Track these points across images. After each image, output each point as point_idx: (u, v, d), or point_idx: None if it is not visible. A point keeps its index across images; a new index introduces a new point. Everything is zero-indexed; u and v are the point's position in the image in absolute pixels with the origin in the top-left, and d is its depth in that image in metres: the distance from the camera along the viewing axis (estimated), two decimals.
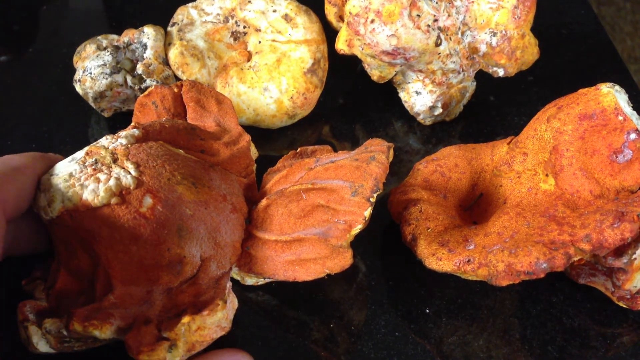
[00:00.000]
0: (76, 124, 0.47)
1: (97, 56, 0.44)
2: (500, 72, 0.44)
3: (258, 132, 0.45)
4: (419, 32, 0.40)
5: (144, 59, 0.44)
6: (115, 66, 0.44)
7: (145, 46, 0.45)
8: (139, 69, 0.43)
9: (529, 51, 0.43)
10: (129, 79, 0.44)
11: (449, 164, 0.40)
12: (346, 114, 0.48)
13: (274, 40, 0.44)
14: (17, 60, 0.52)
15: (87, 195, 0.32)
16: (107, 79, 0.43)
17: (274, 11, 0.44)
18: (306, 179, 0.36)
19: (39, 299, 0.33)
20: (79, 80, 0.44)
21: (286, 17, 0.43)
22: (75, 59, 0.45)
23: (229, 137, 0.39)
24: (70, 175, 0.33)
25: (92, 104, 0.45)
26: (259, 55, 0.44)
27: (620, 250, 0.33)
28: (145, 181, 0.33)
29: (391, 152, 0.37)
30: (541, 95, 0.49)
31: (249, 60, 0.45)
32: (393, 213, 0.39)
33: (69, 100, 0.48)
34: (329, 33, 0.46)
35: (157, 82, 0.44)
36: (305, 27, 0.43)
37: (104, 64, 0.43)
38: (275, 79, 0.43)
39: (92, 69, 0.43)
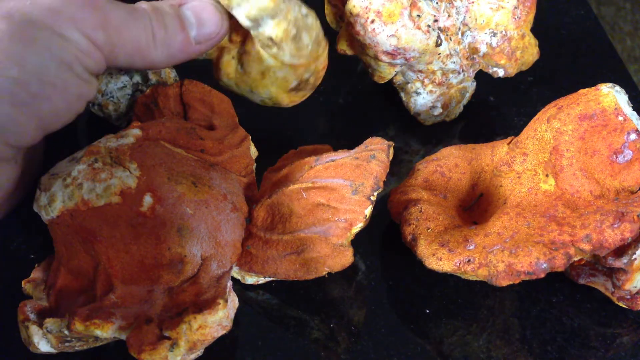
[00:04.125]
0: (76, 123, 0.47)
1: (112, 78, 0.43)
2: (500, 73, 0.44)
3: (258, 132, 0.45)
4: (419, 32, 0.40)
5: None
6: (134, 84, 0.43)
7: None
8: (152, 78, 0.43)
9: (529, 51, 0.43)
10: (145, 89, 0.43)
11: (449, 164, 0.40)
12: (346, 114, 0.48)
13: (260, 51, 0.41)
14: None
15: (88, 195, 0.32)
16: (129, 99, 0.42)
17: (259, 27, 0.41)
18: (306, 177, 0.36)
19: (40, 299, 0.33)
20: (100, 104, 0.43)
21: (271, 40, 0.40)
22: None
23: (228, 137, 0.39)
24: (71, 174, 0.33)
25: (114, 123, 0.44)
26: (247, 58, 0.42)
27: (620, 251, 0.33)
28: (145, 180, 0.33)
29: (391, 150, 0.37)
30: (541, 95, 0.49)
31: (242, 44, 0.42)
32: (393, 213, 0.39)
33: None
34: (329, 33, 0.46)
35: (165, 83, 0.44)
36: (292, 54, 0.40)
37: (124, 86, 0.42)
38: (260, 88, 0.41)
39: (113, 92, 0.42)
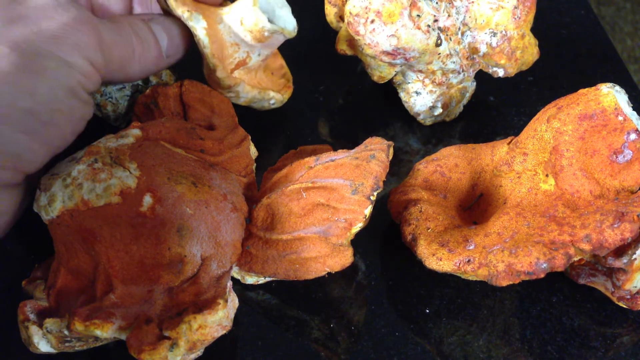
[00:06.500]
0: None
1: None
2: (500, 72, 0.44)
3: (257, 132, 0.45)
4: (419, 32, 0.40)
5: None
6: (133, 85, 0.43)
7: None
8: (153, 80, 0.43)
9: (529, 51, 0.43)
10: (144, 90, 0.43)
11: (449, 164, 0.40)
12: (346, 114, 0.48)
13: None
14: None
15: (88, 195, 0.32)
16: (128, 100, 0.42)
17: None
18: (306, 177, 0.36)
19: (40, 299, 0.33)
20: (98, 104, 0.42)
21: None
22: None
23: (228, 137, 0.39)
24: (71, 174, 0.33)
25: (113, 124, 0.44)
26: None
27: (620, 251, 0.33)
28: (145, 180, 0.33)
29: (391, 150, 0.37)
30: (541, 95, 0.49)
31: None
32: (393, 213, 0.39)
33: None
34: (329, 33, 0.46)
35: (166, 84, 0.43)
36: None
37: (123, 87, 0.42)
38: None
39: (111, 93, 0.42)
